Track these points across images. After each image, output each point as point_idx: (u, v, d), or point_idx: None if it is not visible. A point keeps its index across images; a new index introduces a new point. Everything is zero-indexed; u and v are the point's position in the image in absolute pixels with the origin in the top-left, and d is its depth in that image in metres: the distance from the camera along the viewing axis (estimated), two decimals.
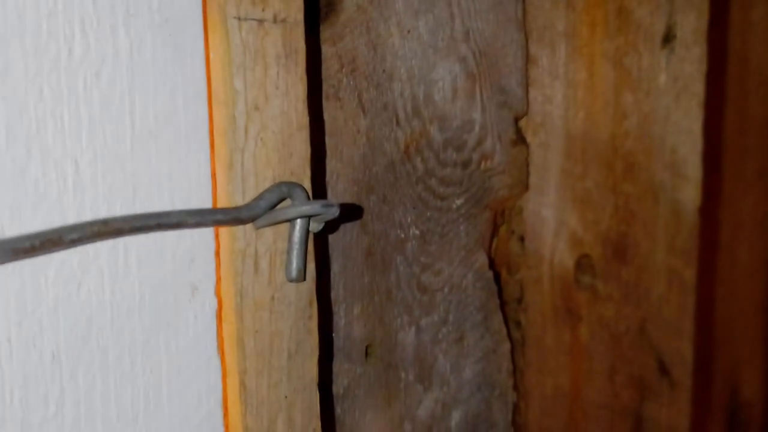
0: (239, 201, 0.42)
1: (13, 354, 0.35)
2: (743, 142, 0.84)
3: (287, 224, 0.43)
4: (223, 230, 0.42)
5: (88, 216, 0.36)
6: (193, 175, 0.40)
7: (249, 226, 0.42)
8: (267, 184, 0.43)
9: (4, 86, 0.33)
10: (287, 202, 0.43)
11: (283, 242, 0.44)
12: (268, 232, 0.43)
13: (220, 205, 0.41)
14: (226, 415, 0.43)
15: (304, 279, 0.43)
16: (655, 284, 0.69)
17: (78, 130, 0.36)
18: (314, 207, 0.42)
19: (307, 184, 0.44)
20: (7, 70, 0.34)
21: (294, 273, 0.43)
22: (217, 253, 0.41)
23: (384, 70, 0.52)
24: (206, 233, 0.41)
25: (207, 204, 0.41)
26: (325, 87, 0.50)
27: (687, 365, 0.72)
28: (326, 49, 0.49)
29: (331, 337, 0.52)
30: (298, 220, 0.42)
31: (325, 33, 0.49)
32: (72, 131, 0.36)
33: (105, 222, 0.36)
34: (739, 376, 0.89)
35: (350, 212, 0.50)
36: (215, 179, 0.41)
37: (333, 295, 0.52)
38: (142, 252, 0.39)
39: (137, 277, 0.38)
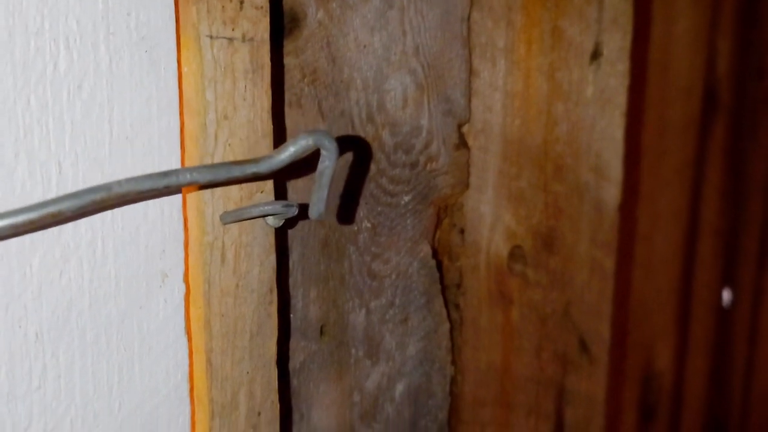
0: (208, 199, 0.43)
1: (0, 334, 0.36)
2: (662, 143, 0.86)
3: (252, 220, 0.44)
4: (193, 224, 0.43)
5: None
6: None
7: (217, 222, 0.43)
8: (234, 186, 0.43)
9: None
10: (257, 198, 0.44)
11: (247, 236, 0.45)
12: (234, 227, 0.44)
13: (190, 203, 0.42)
14: (192, 388, 0.44)
15: (322, 215, 0.41)
16: (578, 272, 0.71)
17: (61, 135, 0.37)
18: (275, 207, 0.43)
19: (270, 186, 0.45)
20: None
21: (314, 213, 0.40)
22: (186, 245, 0.42)
23: (342, 81, 0.53)
24: (176, 227, 0.42)
25: (177, 205, 0.41)
26: (288, 95, 0.50)
27: (605, 343, 0.74)
28: (289, 61, 0.50)
29: (289, 317, 0.53)
30: (325, 171, 0.39)
31: (289, 46, 0.50)
32: (56, 136, 0.36)
33: (108, 187, 0.35)
34: (654, 350, 0.92)
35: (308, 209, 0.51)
36: None
37: (291, 280, 0.53)
38: (118, 243, 0.39)
39: (113, 266, 0.39)
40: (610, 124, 0.70)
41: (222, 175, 0.38)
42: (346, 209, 0.54)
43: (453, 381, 0.65)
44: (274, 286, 0.46)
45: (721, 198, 0.97)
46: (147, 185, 0.36)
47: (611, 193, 0.71)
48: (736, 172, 0.98)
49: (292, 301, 0.53)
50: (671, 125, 0.87)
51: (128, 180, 0.35)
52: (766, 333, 1.08)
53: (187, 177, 0.37)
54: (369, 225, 0.57)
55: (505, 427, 0.70)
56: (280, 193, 0.50)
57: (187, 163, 0.42)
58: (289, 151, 0.39)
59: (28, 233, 0.36)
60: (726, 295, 1.02)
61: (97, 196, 0.35)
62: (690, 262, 0.94)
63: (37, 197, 0.36)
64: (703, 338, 1.00)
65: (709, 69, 0.91)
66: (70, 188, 0.37)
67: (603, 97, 0.69)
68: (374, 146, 0.55)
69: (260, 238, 0.45)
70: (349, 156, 0.54)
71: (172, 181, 0.36)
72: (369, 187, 0.56)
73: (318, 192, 0.40)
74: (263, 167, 0.39)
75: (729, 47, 0.92)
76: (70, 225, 0.38)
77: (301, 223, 0.52)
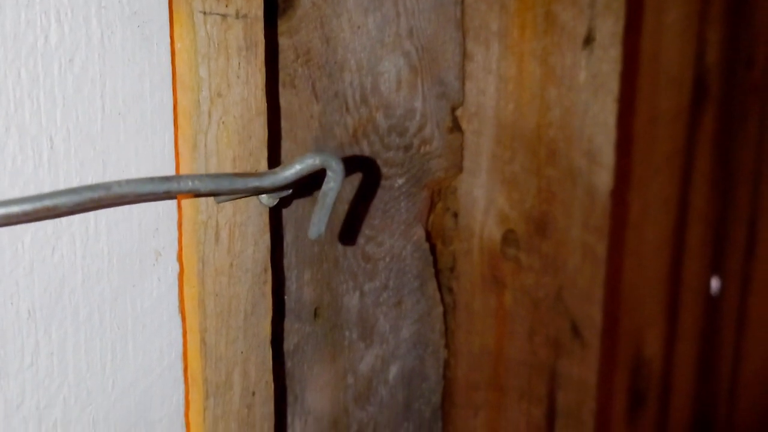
0: None
1: None
2: (653, 131, 0.86)
3: (246, 199, 0.44)
4: (186, 203, 0.42)
5: (61, 187, 0.36)
6: (158, 153, 0.40)
7: (211, 201, 0.42)
8: (228, 164, 0.43)
9: None
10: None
11: (241, 215, 0.44)
12: (228, 206, 0.43)
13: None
14: (186, 368, 0.43)
15: (322, 235, 0.41)
16: (570, 257, 0.71)
17: (53, 110, 0.36)
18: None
19: (264, 164, 0.45)
20: None
21: (314, 233, 0.40)
22: (180, 224, 0.42)
23: (336, 62, 0.52)
24: (170, 206, 0.41)
25: None
26: (281, 75, 0.50)
27: (596, 328, 0.74)
28: (283, 41, 0.49)
29: (284, 299, 0.52)
30: (329, 193, 0.39)
31: (283, 26, 0.49)
32: (47, 111, 0.36)
33: (108, 186, 0.34)
34: (644, 337, 0.92)
35: (302, 189, 0.51)
36: (178, 158, 0.41)
37: (286, 262, 0.52)
38: (111, 221, 0.39)
39: (106, 243, 0.38)
40: (603, 109, 0.69)
41: (224, 185, 0.37)
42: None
43: (446, 364, 0.65)
44: (269, 265, 0.46)
45: (710, 187, 0.97)
46: (147, 189, 0.35)
47: (603, 178, 0.71)
48: (725, 161, 0.98)
49: (286, 283, 0.53)
50: (662, 114, 0.87)
51: (128, 181, 0.35)
52: (753, 321, 1.08)
53: (189, 185, 0.36)
54: (363, 208, 0.56)
55: (498, 411, 0.69)
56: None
57: (181, 141, 0.41)
58: (295, 169, 0.38)
59: (21, 224, 0.35)
60: (714, 283, 1.02)
61: (96, 195, 0.34)
62: (679, 250, 0.94)
63: (28, 172, 0.35)
64: (692, 326, 1.00)
65: (698, 59, 0.90)
66: (62, 163, 0.36)
67: (596, 82, 0.68)
68: (368, 128, 0.55)
69: (254, 217, 0.44)
70: (337, 137, 0.53)
71: (172, 187, 0.36)
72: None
73: (319, 212, 0.40)
74: (266, 182, 0.38)
75: (718, 38, 0.92)
76: None
77: (295, 205, 0.52)
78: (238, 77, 0.42)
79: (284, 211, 0.51)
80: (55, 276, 0.37)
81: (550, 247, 0.69)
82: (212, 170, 0.42)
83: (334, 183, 0.39)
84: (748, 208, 1.03)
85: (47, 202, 0.33)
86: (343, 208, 0.54)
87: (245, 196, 0.43)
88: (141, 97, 0.39)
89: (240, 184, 0.38)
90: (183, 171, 0.41)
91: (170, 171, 0.41)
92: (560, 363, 0.72)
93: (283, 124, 0.50)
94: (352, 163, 0.54)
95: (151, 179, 0.36)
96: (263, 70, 0.43)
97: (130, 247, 0.39)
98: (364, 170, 0.55)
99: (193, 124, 0.41)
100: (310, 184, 0.52)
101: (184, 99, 0.41)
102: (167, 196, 0.36)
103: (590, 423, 0.77)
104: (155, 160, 0.40)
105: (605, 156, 0.70)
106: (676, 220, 0.92)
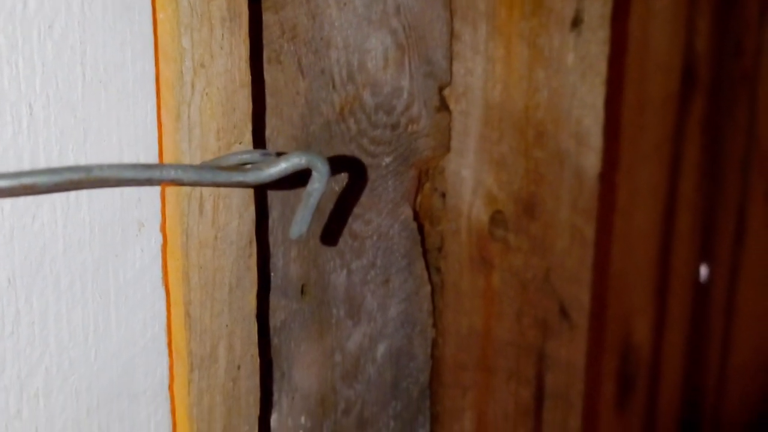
0: (186, 149, 0.41)
1: None
2: (641, 119, 0.86)
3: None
4: None
5: (41, 155, 0.36)
6: (140, 123, 0.39)
7: None
8: (211, 135, 0.42)
9: None
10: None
11: (226, 188, 0.43)
12: None
13: (167, 152, 0.41)
14: (170, 340, 0.43)
15: (303, 236, 0.41)
16: (559, 239, 0.70)
17: (32, 76, 0.35)
18: (254, 155, 0.42)
19: (249, 137, 0.44)
20: None
21: (295, 232, 0.40)
22: (163, 195, 0.41)
23: (322, 38, 0.51)
24: None
25: (153, 149, 0.40)
26: (267, 51, 0.49)
27: (584, 310, 0.74)
28: (268, 17, 0.49)
29: (270, 276, 0.52)
30: (313, 194, 0.39)
31: (268, 1, 0.49)
32: (26, 77, 0.35)
33: (89, 169, 0.34)
34: (632, 323, 0.91)
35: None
36: (161, 128, 0.40)
37: (272, 239, 0.52)
38: (93, 190, 0.38)
39: (87, 212, 0.38)
40: (591, 91, 0.69)
41: (207, 178, 0.37)
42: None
43: (434, 344, 0.64)
44: (254, 239, 0.45)
45: (698, 174, 0.97)
46: (128, 175, 0.35)
47: (591, 160, 0.71)
48: (714, 149, 0.98)
49: (273, 260, 0.52)
50: (650, 101, 0.87)
51: (110, 166, 0.34)
52: (742, 308, 1.08)
53: (171, 174, 0.36)
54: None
55: (487, 391, 0.69)
56: (260, 147, 0.49)
57: (163, 112, 0.40)
58: (280, 167, 0.38)
59: None
60: (703, 271, 1.02)
61: (75, 176, 0.34)
62: (668, 236, 0.94)
63: (7, 138, 0.35)
64: (681, 313, 1.00)
65: (687, 46, 0.90)
66: (42, 130, 0.36)
67: (583, 64, 0.68)
68: (355, 106, 0.54)
69: (239, 189, 0.44)
70: (324, 114, 0.53)
71: (155, 175, 0.35)
72: (350, 148, 0.55)
73: (302, 212, 0.40)
74: (250, 178, 0.38)
75: (707, 25, 0.91)
76: None
77: (281, 182, 0.51)
78: (221, 48, 0.41)
79: (269, 190, 0.51)
80: (35, 244, 0.36)
81: (538, 229, 0.69)
82: (195, 141, 0.41)
83: (318, 184, 0.38)
84: (737, 196, 1.03)
85: (25, 180, 0.33)
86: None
87: (228, 165, 0.42)
88: (122, 66, 0.38)
89: (223, 177, 0.38)
90: (165, 141, 0.41)
91: (152, 141, 0.40)
92: (548, 344, 0.72)
93: (269, 100, 0.50)
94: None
95: (134, 166, 0.35)
96: (247, 42, 0.42)
97: (111, 216, 0.39)
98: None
99: (176, 94, 0.40)
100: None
101: (166, 69, 0.40)
102: (148, 183, 0.36)
103: (579, 405, 0.76)
104: (137, 130, 0.39)
105: (593, 138, 0.70)
106: (665, 207, 0.92)
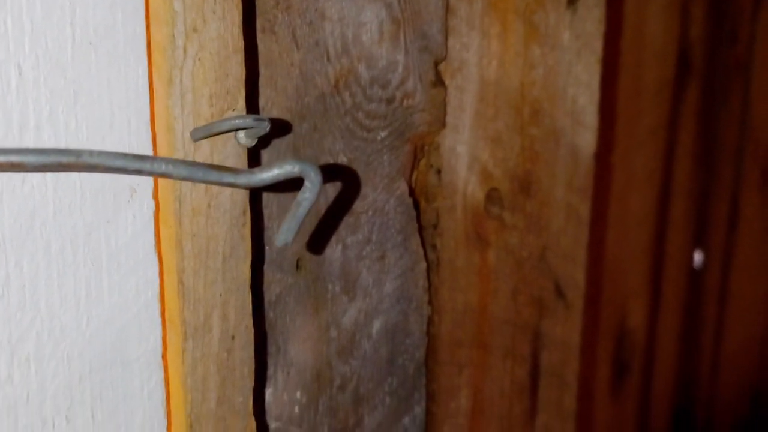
0: (178, 114, 0.40)
1: None
2: (637, 104, 0.85)
3: (224, 137, 0.42)
4: (161, 141, 0.40)
5: (31, 116, 0.35)
6: (131, 86, 0.38)
7: (187, 138, 0.41)
8: (204, 101, 0.41)
9: None
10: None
11: (219, 154, 0.43)
12: (205, 144, 0.42)
13: (158, 117, 0.40)
14: (163, 309, 0.42)
15: (289, 244, 0.40)
16: (554, 217, 0.69)
17: (21, 36, 0.34)
18: (247, 121, 0.41)
19: (242, 104, 0.43)
20: None
21: (281, 241, 0.39)
22: None
23: (316, 10, 0.50)
24: (143, 141, 0.40)
25: (144, 113, 0.39)
26: (261, 21, 0.48)
27: (580, 289, 0.73)
28: None
29: (264, 249, 0.51)
30: (303, 203, 0.38)
31: None
32: (15, 37, 0.34)
33: (79, 153, 0.33)
34: (627, 308, 0.91)
35: (280, 129, 0.49)
36: (153, 92, 0.39)
37: (267, 212, 0.51)
38: None
39: (78, 176, 0.37)
40: (586, 69, 0.68)
41: (198, 175, 0.36)
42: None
43: (430, 321, 0.64)
44: (248, 208, 0.44)
45: (693, 161, 0.96)
46: (118, 164, 0.34)
47: (587, 138, 0.70)
48: (708, 136, 0.97)
49: (268, 233, 0.51)
50: (646, 86, 0.86)
51: (100, 153, 0.33)
52: (735, 294, 1.07)
53: (162, 167, 0.35)
54: (345, 160, 0.55)
55: (483, 369, 0.68)
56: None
57: (155, 76, 0.40)
58: (272, 173, 0.37)
59: None
60: (697, 257, 1.01)
61: (64, 159, 0.33)
62: (662, 223, 0.93)
63: None
64: (675, 298, 0.99)
65: (682, 33, 0.89)
66: (31, 91, 0.35)
67: (579, 42, 0.67)
68: (350, 79, 0.53)
69: (232, 157, 0.43)
70: (318, 86, 0.52)
71: (145, 167, 0.34)
72: (345, 121, 0.54)
73: (290, 221, 0.38)
74: (241, 180, 0.37)
75: (702, 13, 0.91)
76: (32, 131, 0.35)
77: (276, 153, 0.50)
78: (214, 13, 0.41)
79: (264, 160, 0.50)
80: (25, 207, 0.35)
81: (533, 207, 0.68)
82: (188, 107, 0.41)
83: (309, 194, 0.37)
84: (730, 182, 1.02)
85: (13, 158, 0.32)
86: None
87: (223, 132, 0.41)
88: (113, 28, 0.37)
89: (214, 176, 0.37)
90: (157, 106, 0.40)
91: (144, 105, 0.39)
92: (544, 323, 0.71)
93: (263, 71, 0.49)
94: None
95: (125, 155, 0.34)
96: (240, 6, 0.42)
97: (102, 181, 0.38)
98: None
99: (168, 59, 0.39)
100: (287, 126, 0.51)
101: (158, 33, 0.39)
102: (136, 173, 0.35)
103: (574, 385, 0.76)
104: (128, 93, 0.38)
105: (588, 116, 0.69)
106: (660, 193, 0.91)
